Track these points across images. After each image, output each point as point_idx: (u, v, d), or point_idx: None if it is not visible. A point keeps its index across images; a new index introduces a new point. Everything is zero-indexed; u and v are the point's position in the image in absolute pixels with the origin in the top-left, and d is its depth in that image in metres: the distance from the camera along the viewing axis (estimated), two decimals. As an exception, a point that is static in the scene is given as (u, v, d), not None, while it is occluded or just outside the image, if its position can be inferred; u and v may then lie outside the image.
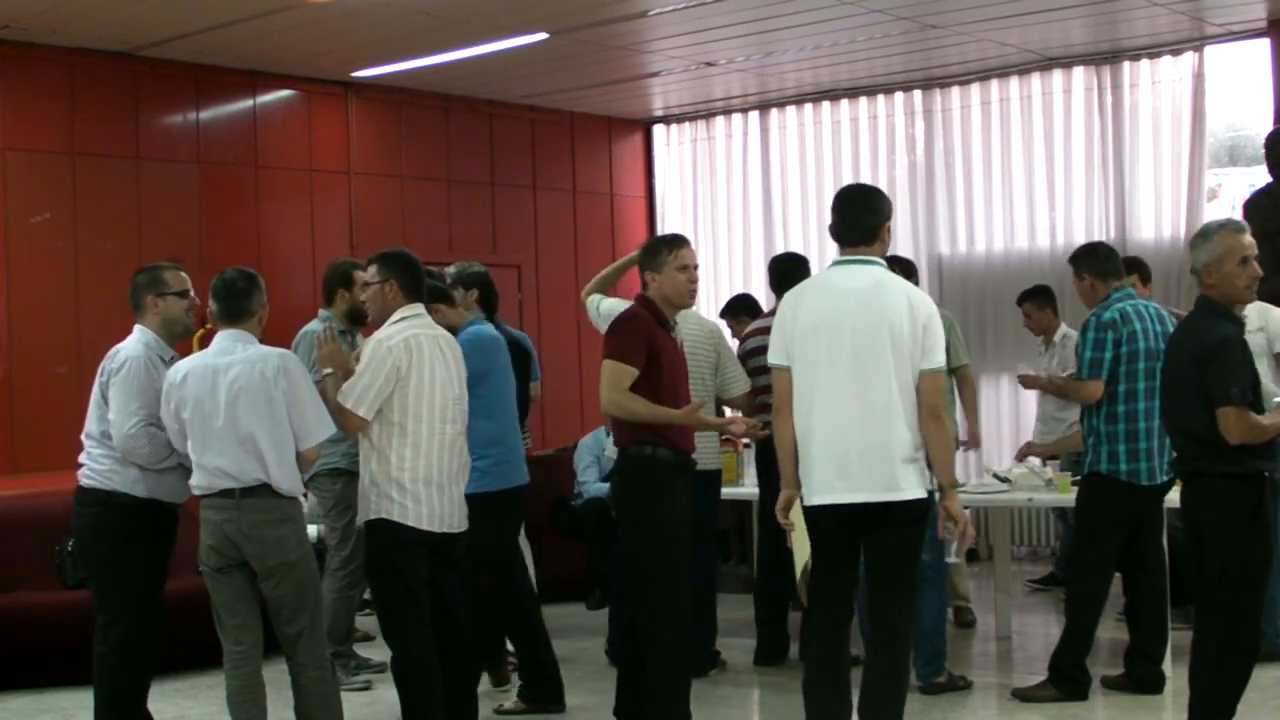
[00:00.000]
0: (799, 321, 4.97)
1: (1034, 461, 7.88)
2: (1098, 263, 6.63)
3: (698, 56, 10.28)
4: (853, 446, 4.85)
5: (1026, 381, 7.80)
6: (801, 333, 4.95)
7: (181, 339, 5.78)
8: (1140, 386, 6.31)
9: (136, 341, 5.60)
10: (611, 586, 7.81)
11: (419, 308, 5.64)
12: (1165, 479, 6.36)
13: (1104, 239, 10.29)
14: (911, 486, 4.90)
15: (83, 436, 5.66)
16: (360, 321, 6.90)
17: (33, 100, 9.13)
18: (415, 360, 5.44)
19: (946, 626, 6.92)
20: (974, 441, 8.02)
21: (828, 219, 5.24)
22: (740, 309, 8.32)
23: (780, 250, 11.35)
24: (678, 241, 5.87)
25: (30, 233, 9.06)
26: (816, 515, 4.95)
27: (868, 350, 4.87)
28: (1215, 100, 10.20)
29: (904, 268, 7.90)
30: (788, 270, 7.28)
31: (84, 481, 5.60)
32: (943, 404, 5.05)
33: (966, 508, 5.17)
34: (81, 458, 5.65)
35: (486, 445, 6.07)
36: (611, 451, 6.08)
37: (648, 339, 5.62)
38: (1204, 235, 5.20)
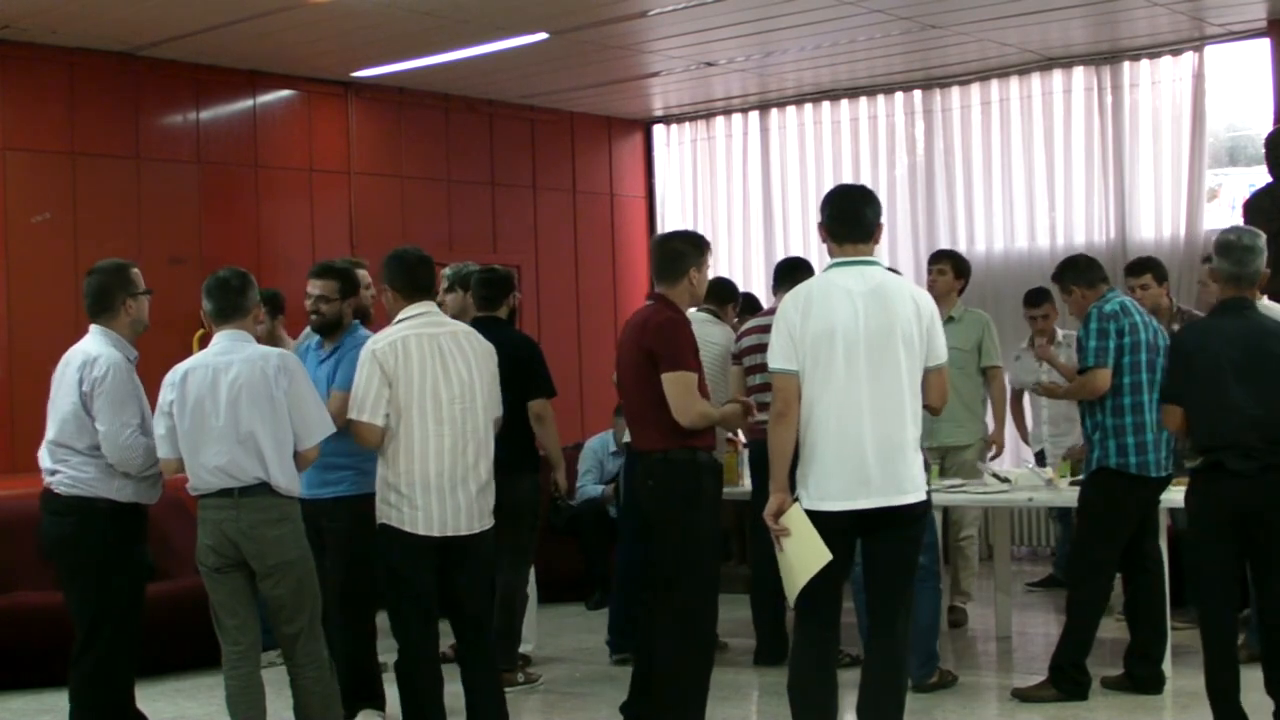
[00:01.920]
0: (809, 327, 4.84)
1: (1032, 461, 7.88)
2: (1081, 273, 6.64)
3: (698, 56, 10.28)
4: (869, 452, 4.80)
5: (1044, 390, 7.64)
6: (813, 339, 4.83)
7: (139, 336, 5.61)
8: (1144, 378, 6.32)
9: (108, 346, 5.44)
10: (617, 585, 7.78)
11: (423, 305, 5.57)
12: (1168, 473, 6.37)
13: (1104, 239, 10.34)
14: (917, 488, 4.88)
15: (50, 445, 5.48)
16: (365, 319, 6.86)
17: (33, 100, 9.14)
18: (402, 363, 5.38)
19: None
20: (999, 448, 8.23)
21: (827, 219, 5.19)
22: (742, 309, 8.30)
23: (780, 250, 11.42)
24: (708, 241, 6.02)
25: (30, 233, 9.07)
26: (826, 520, 4.88)
27: (882, 354, 4.81)
28: (1215, 100, 10.20)
29: (956, 265, 7.99)
30: (793, 274, 7.26)
31: (61, 490, 5.44)
32: (945, 399, 5.07)
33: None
34: (49, 464, 5.48)
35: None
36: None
37: (693, 342, 5.70)
38: (1257, 239, 5.40)
